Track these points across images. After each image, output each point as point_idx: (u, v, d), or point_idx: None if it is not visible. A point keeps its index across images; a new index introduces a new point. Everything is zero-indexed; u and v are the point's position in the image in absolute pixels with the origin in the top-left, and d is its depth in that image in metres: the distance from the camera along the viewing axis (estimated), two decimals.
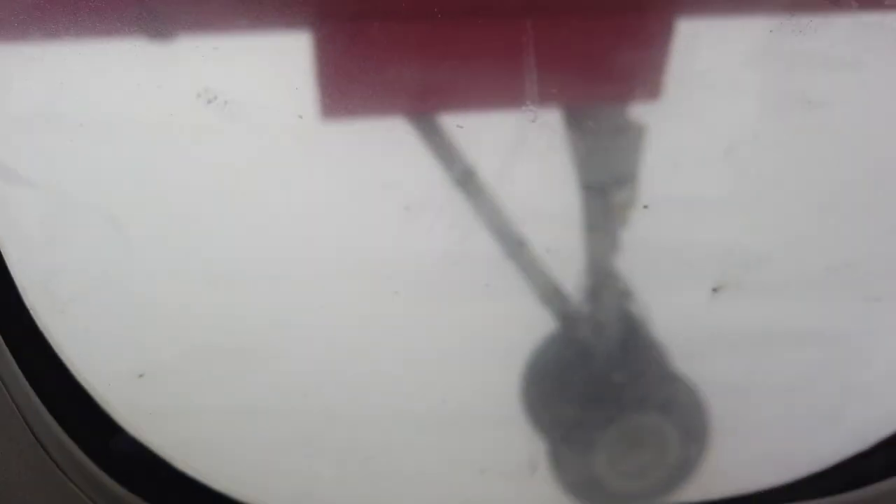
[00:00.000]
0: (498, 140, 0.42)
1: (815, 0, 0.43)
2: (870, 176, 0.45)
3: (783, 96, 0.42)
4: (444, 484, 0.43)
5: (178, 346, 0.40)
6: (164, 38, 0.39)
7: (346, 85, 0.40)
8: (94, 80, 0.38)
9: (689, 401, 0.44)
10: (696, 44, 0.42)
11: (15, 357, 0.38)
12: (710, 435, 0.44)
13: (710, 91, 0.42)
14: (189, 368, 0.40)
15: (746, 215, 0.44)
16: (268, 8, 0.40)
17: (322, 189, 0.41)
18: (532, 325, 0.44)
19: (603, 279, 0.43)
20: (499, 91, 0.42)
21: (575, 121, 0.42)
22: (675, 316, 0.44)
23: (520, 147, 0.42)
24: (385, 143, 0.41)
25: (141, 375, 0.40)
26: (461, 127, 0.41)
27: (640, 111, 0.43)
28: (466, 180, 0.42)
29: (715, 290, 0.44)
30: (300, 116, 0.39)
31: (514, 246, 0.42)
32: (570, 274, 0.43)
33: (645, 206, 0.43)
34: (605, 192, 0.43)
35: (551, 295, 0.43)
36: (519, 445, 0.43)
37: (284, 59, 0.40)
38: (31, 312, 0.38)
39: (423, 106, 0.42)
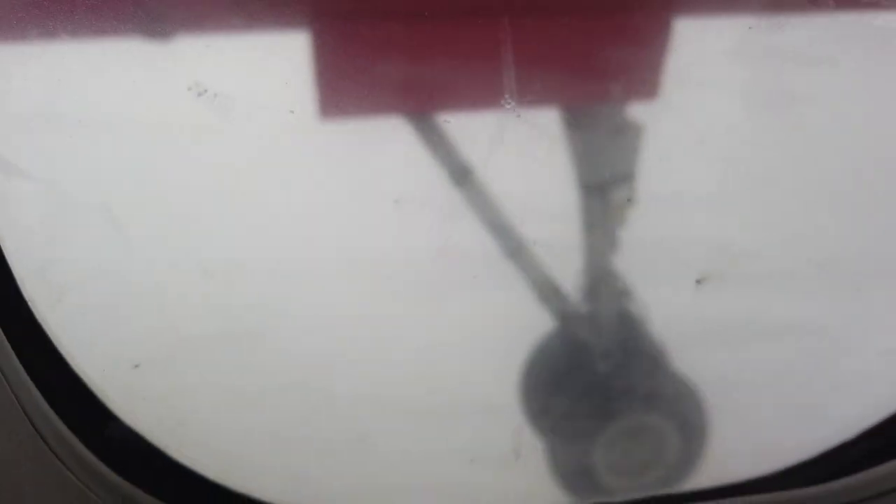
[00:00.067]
0: (485, 135, 0.42)
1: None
2: (851, 170, 0.45)
3: (764, 91, 0.43)
4: (433, 472, 0.43)
5: (173, 337, 0.41)
6: (161, 37, 0.40)
7: (343, 84, 0.41)
8: (91, 78, 0.39)
9: (687, 400, 0.45)
10: (677, 41, 0.43)
11: (13, 348, 0.38)
12: (708, 436, 0.45)
13: (691, 86, 0.43)
14: (184, 359, 0.41)
15: (729, 209, 0.44)
16: (261, 8, 0.41)
17: (316, 183, 0.42)
18: (519, 319, 0.44)
19: (601, 277, 0.44)
20: (481, 88, 0.42)
21: (573, 120, 0.43)
22: (660, 308, 0.45)
23: (500, 142, 0.42)
24: (377, 138, 0.42)
25: (137, 366, 0.40)
26: (448, 122, 0.41)
27: (623, 107, 0.43)
28: (462, 177, 0.42)
29: (699, 282, 0.44)
30: (292, 112, 0.40)
31: (505, 240, 0.43)
32: (568, 271, 0.44)
33: (629, 200, 0.44)
34: (603, 190, 0.44)
35: (547, 291, 0.44)
36: (505, 434, 0.43)
37: (276, 55, 0.41)
38: (30, 304, 0.39)
39: (417, 104, 0.42)
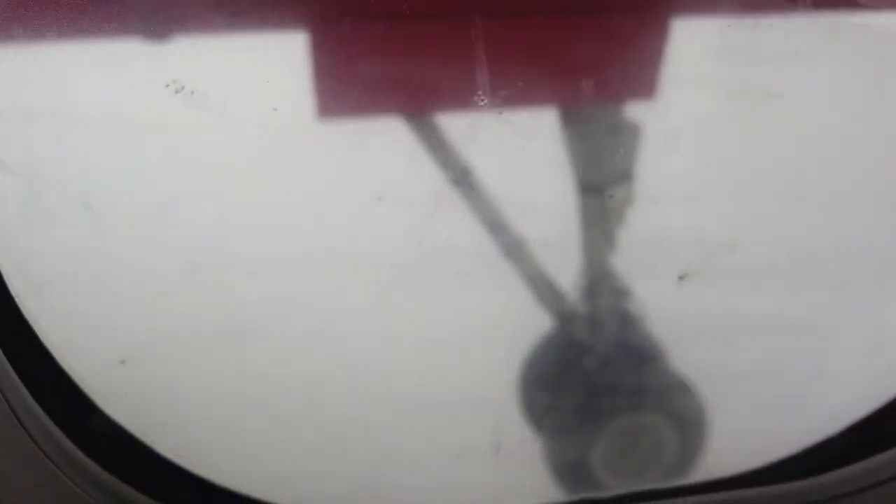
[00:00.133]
0: (479, 135, 0.43)
1: None
2: (831, 165, 0.46)
3: (742, 89, 0.44)
4: (418, 467, 0.44)
5: (158, 333, 0.41)
6: (146, 35, 0.40)
7: (337, 85, 0.42)
8: (71, 73, 0.39)
9: (686, 401, 0.45)
10: (656, 39, 0.43)
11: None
12: (706, 437, 0.45)
13: (670, 84, 0.44)
14: (170, 355, 0.41)
15: (710, 205, 0.45)
16: (246, 8, 0.41)
17: (301, 179, 0.42)
18: (511, 317, 0.44)
19: (599, 277, 0.44)
20: (454, 86, 0.43)
21: (570, 120, 0.43)
22: (643, 304, 0.45)
23: (494, 142, 0.43)
24: (364, 135, 0.43)
25: (123, 361, 0.41)
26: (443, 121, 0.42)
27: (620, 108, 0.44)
28: (456, 176, 0.43)
29: (681, 278, 0.45)
30: (275, 109, 0.41)
31: (499, 238, 0.44)
32: (564, 270, 0.44)
33: (610, 197, 0.44)
34: (602, 190, 0.44)
35: (542, 289, 0.44)
36: (485, 428, 0.43)
37: (258, 53, 0.41)
38: (16, 299, 0.40)
39: (410, 104, 0.43)
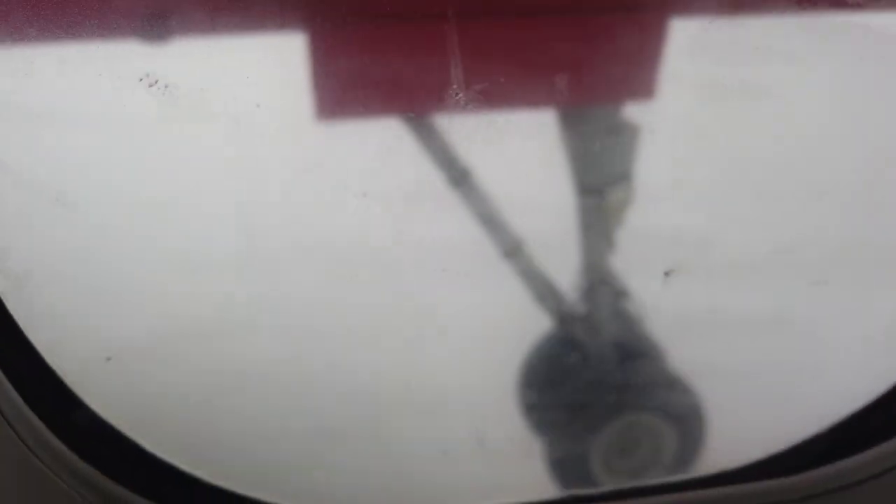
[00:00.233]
0: (476, 136, 0.43)
1: None
2: (814, 160, 0.46)
3: (724, 85, 0.44)
4: (404, 464, 0.44)
5: (144, 329, 0.41)
6: (129, 35, 0.41)
7: (337, 85, 0.42)
8: (50, 70, 0.40)
9: (685, 402, 0.45)
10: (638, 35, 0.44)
11: None
12: (704, 439, 0.45)
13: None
14: (157, 351, 0.42)
15: (694, 201, 0.45)
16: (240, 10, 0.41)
17: (290, 175, 0.42)
18: (506, 315, 0.45)
19: (597, 278, 0.45)
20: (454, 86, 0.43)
21: (569, 121, 0.43)
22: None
23: (490, 142, 0.43)
24: (362, 135, 0.43)
25: (109, 358, 0.41)
26: (412, 116, 0.42)
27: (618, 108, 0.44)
28: (454, 176, 0.43)
29: (667, 274, 0.45)
30: (258, 105, 0.41)
31: (495, 235, 0.44)
32: (564, 270, 0.45)
33: (625, 200, 0.44)
34: (601, 191, 0.44)
35: (540, 289, 0.44)
36: (478, 426, 0.44)
37: (242, 51, 0.41)
38: (1, 296, 0.40)
39: (404, 103, 0.43)
